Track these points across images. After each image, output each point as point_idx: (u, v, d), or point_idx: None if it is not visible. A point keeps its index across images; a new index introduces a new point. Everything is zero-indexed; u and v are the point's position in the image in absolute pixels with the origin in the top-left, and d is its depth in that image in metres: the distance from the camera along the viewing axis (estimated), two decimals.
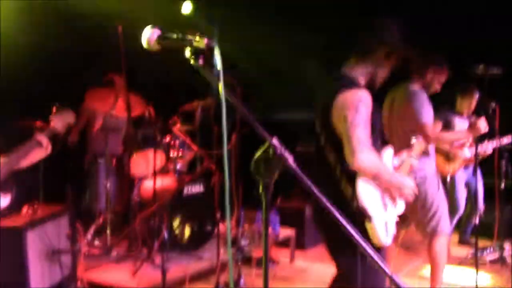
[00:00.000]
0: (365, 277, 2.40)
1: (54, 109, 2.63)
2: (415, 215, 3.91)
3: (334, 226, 2.32)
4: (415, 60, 2.69)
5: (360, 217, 2.36)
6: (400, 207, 2.71)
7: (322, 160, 2.56)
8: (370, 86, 2.53)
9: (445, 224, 3.83)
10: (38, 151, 2.49)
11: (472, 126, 3.85)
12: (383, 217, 2.49)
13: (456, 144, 5.24)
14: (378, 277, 2.48)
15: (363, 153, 2.32)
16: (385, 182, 2.47)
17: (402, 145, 3.80)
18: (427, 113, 3.73)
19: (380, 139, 2.62)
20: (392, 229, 2.58)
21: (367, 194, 2.43)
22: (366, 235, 2.38)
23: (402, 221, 4.09)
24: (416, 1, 6.60)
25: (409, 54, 2.63)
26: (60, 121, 2.59)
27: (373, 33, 2.52)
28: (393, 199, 2.58)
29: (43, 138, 2.47)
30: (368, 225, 2.38)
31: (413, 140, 3.01)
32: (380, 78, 2.57)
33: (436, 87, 3.91)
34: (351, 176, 2.41)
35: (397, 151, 3.88)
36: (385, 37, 2.49)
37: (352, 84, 2.46)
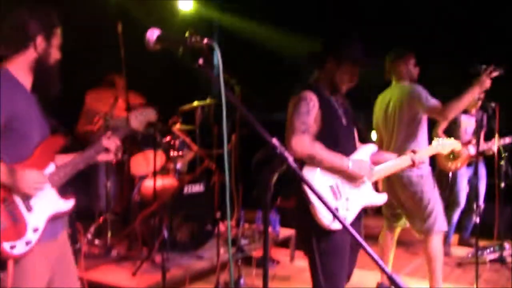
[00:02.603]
0: (325, 260, 2.71)
1: (135, 105, 2.50)
2: (410, 214, 3.93)
3: (299, 218, 2.73)
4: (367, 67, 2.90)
5: (304, 200, 2.66)
6: (362, 198, 2.85)
7: None
8: (335, 91, 2.84)
9: (441, 222, 3.87)
10: (104, 156, 2.39)
11: (479, 81, 3.67)
12: (330, 203, 2.71)
13: (464, 141, 5.26)
14: (337, 260, 2.74)
15: (295, 138, 2.64)
16: (325, 163, 2.68)
17: (399, 145, 3.88)
18: (429, 96, 3.79)
19: (347, 138, 2.87)
20: (345, 218, 2.76)
21: (311, 179, 2.67)
22: (310, 217, 2.66)
23: (396, 219, 4.13)
24: (417, 1, 6.61)
25: (368, 64, 2.87)
26: (139, 119, 2.47)
27: (324, 47, 2.86)
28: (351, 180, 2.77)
29: (111, 144, 2.36)
30: (311, 207, 2.64)
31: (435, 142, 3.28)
32: (341, 83, 2.83)
33: (416, 71, 4.05)
34: (301, 164, 2.69)
35: (390, 148, 3.98)
36: (339, 50, 2.79)
37: (305, 87, 2.78)
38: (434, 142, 3.35)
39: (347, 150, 2.82)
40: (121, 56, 4.30)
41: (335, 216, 1.62)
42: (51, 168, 2.20)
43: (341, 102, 2.90)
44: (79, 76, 5.43)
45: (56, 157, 2.24)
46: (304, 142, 2.65)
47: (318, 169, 2.70)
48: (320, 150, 2.67)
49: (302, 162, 2.70)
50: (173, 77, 6.63)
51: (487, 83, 3.64)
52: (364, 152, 2.93)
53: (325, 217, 2.64)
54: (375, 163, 2.94)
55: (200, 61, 1.72)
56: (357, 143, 2.99)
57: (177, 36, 1.75)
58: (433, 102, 3.75)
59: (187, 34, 1.72)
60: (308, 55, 2.94)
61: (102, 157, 2.40)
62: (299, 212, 2.77)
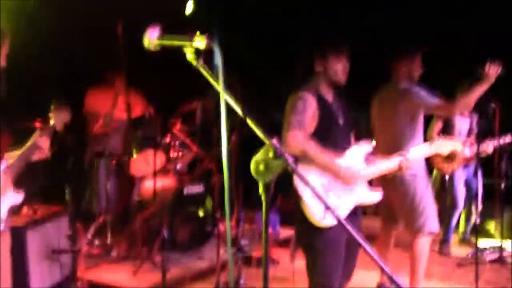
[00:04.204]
0: (318, 258, 2.77)
1: (52, 106, 2.64)
2: (403, 213, 3.93)
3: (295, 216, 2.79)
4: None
5: (295, 195, 2.76)
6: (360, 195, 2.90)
7: None
8: (335, 85, 2.94)
9: (432, 223, 3.82)
10: (38, 154, 2.53)
11: (484, 74, 3.58)
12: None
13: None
14: (330, 259, 2.78)
15: (290, 133, 2.73)
16: (318, 160, 2.75)
17: (392, 145, 3.87)
18: (429, 96, 3.73)
19: (343, 138, 2.93)
20: (339, 214, 2.74)
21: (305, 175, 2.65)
22: (302, 212, 2.74)
23: (393, 219, 4.12)
24: (418, 1, 6.61)
25: (348, 49, 2.95)
26: (58, 118, 2.61)
27: (307, 55, 2.98)
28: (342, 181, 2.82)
29: (43, 142, 2.50)
30: (302, 203, 2.72)
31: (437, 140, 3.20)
32: (336, 76, 2.91)
33: (418, 73, 3.94)
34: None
35: (385, 151, 3.97)
36: (321, 50, 2.92)
37: (303, 89, 2.88)
38: (435, 140, 3.20)
39: (343, 151, 2.86)
40: (121, 56, 4.30)
41: (332, 212, 1.61)
42: (3, 164, 2.34)
43: (338, 104, 2.96)
44: (79, 76, 5.43)
45: (5, 155, 2.38)
46: (298, 137, 2.72)
47: (311, 167, 2.74)
48: (313, 147, 2.73)
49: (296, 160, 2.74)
50: (173, 77, 6.62)
51: (493, 76, 3.56)
52: (358, 151, 2.93)
53: (316, 214, 2.70)
54: (369, 162, 2.96)
55: (200, 60, 1.72)
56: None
57: (177, 36, 1.75)
58: (436, 100, 3.70)
59: (187, 34, 1.72)
60: (296, 69, 3.06)
61: (36, 156, 2.54)
62: (295, 210, 2.84)
